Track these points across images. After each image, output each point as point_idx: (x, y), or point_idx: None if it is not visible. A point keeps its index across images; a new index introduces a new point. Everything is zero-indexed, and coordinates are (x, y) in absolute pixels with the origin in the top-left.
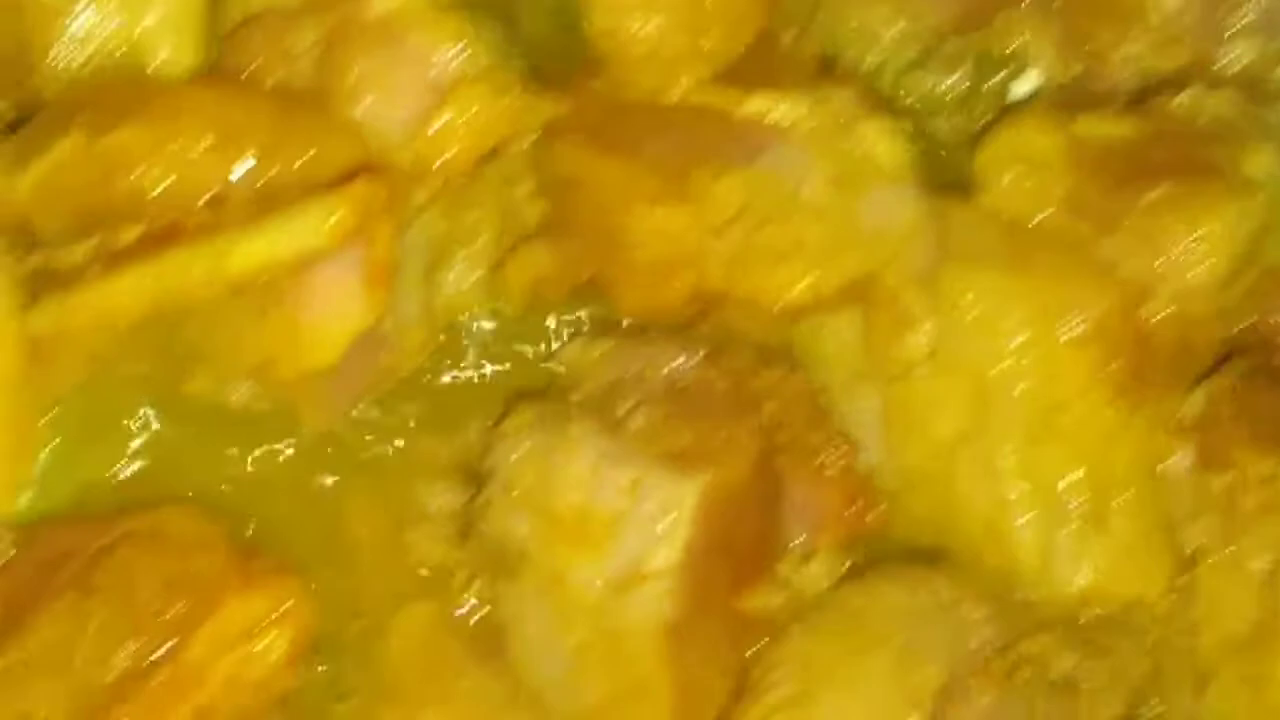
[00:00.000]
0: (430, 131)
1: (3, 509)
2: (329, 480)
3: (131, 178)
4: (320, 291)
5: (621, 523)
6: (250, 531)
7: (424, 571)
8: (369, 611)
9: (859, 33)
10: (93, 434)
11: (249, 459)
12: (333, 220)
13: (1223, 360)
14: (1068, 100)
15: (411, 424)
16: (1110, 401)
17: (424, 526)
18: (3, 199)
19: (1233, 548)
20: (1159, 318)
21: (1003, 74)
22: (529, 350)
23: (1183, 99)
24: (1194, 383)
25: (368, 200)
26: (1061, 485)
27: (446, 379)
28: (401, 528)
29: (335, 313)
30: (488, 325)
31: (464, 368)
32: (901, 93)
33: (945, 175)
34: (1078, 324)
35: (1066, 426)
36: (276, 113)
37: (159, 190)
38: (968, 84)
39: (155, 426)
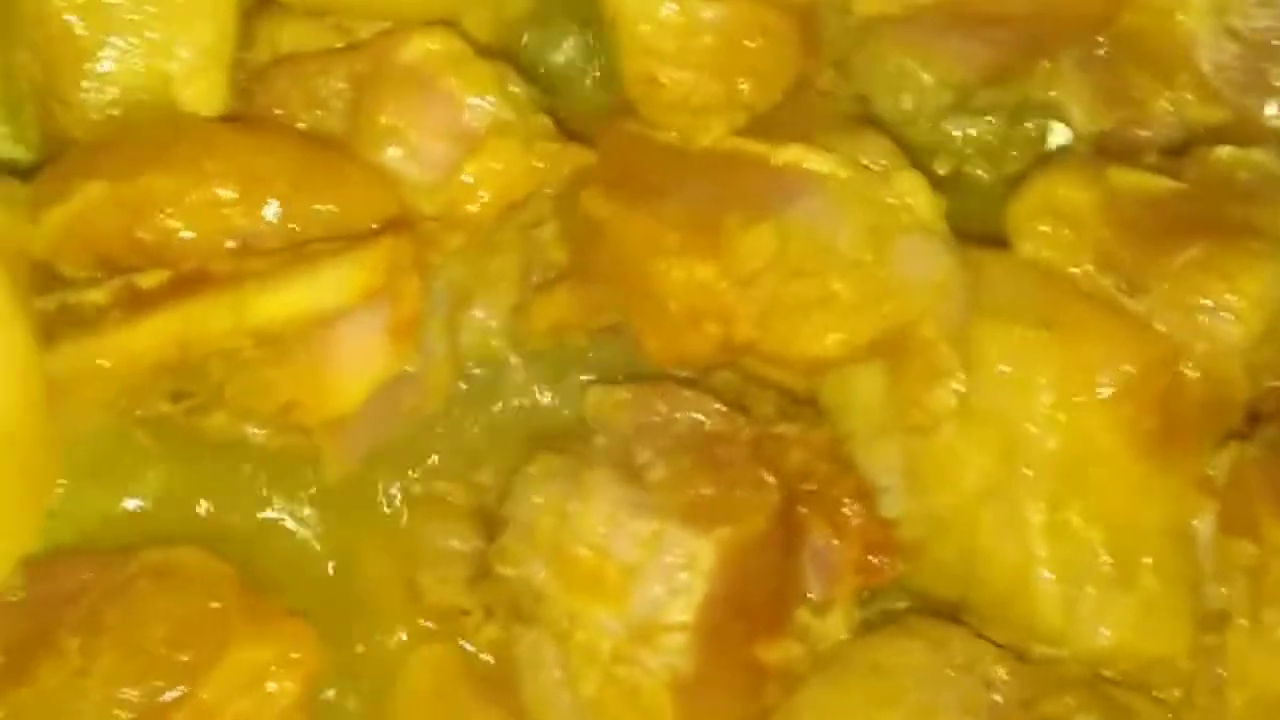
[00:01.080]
0: (459, 181)
1: (25, 548)
2: (343, 520)
3: (156, 224)
4: (344, 343)
5: (639, 574)
6: (262, 571)
7: (436, 614)
8: (381, 652)
9: (894, 79)
10: (107, 470)
11: (264, 498)
12: (360, 278)
13: (1252, 420)
14: (1104, 148)
15: (428, 465)
16: (1139, 459)
17: (437, 568)
18: (25, 241)
19: (1259, 615)
20: (1191, 377)
21: (1039, 120)
22: (550, 394)
23: (1221, 154)
24: (1222, 440)
25: (395, 257)
26: (1088, 542)
27: (466, 421)
28: (415, 569)
29: (358, 363)
30: (509, 368)
31: (483, 411)
32: (937, 138)
33: (981, 222)
34: (1108, 382)
35: (1095, 483)
36: (304, 158)
37: (184, 237)
38: (1004, 130)
39: (170, 463)
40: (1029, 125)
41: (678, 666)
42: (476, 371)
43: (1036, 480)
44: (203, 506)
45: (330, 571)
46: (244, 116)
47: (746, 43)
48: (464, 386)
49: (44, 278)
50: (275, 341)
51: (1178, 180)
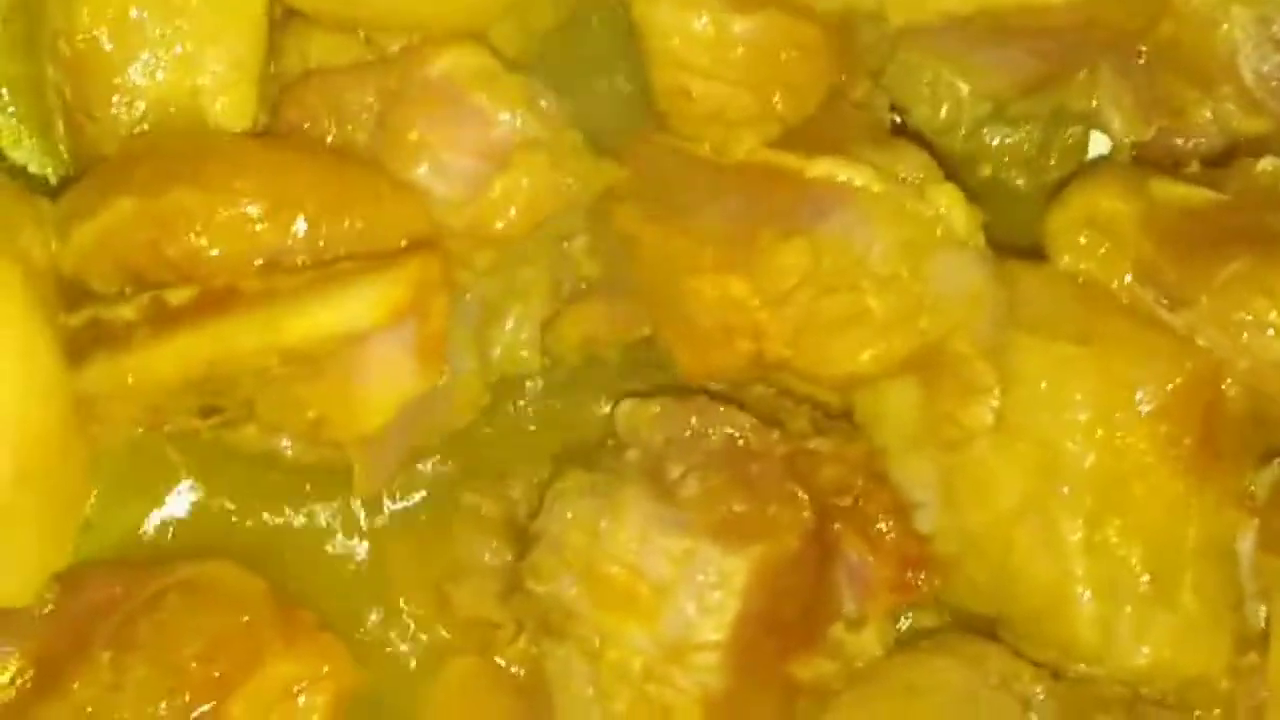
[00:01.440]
0: (487, 198)
1: (57, 564)
2: (374, 533)
3: (184, 241)
4: (373, 361)
5: (671, 592)
6: (292, 583)
7: (467, 626)
8: (411, 664)
9: (931, 89)
10: (138, 483)
11: (294, 510)
12: (389, 297)
13: None
14: (1144, 158)
15: (459, 478)
16: (1179, 476)
17: (468, 581)
18: (54, 258)
19: None
20: (1232, 393)
21: (1078, 129)
22: (581, 407)
23: (1264, 165)
24: (1264, 457)
25: (424, 275)
26: (1126, 560)
27: (496, 434)
28: (446, 582)
29: (386, 381)
30: (540, 381)
31: (514, 423)
32: (974, 147)
33: (1018, 232)
34: (1148, 399)
35: (1133, 501)
36: (332, 175)
37: (212, 254)
38: (1042, 139)
39: (200, 476)
40: (1067, 134)
41: (709, 684)
42: (507, 384)
43: (1074, 497)
44: (233, 519)
45: (361, 583)
46: (272, 131)
47: (779, 54)
48: (494, 400)
49: (74, 293)
50: (304, 359)
51: (1220, 192)
